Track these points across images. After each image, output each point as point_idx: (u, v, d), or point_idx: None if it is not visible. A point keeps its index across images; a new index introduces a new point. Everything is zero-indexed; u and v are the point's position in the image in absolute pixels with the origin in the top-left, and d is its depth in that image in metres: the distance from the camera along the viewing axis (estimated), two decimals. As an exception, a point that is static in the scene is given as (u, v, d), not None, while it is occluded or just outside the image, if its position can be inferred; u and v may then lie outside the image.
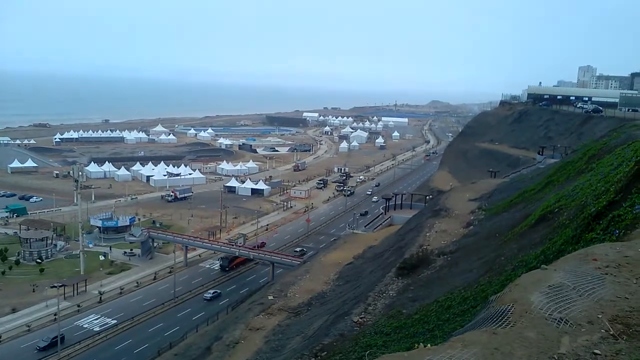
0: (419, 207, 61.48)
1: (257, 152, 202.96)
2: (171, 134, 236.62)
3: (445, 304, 19.81)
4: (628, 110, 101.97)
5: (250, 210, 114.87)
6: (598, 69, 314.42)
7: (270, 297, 40.79)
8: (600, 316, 6.09)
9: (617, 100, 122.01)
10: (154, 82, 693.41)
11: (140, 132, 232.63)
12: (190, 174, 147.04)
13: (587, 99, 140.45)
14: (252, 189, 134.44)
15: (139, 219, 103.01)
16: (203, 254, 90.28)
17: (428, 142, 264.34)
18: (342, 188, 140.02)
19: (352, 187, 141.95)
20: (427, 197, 69.73)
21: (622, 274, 7.58)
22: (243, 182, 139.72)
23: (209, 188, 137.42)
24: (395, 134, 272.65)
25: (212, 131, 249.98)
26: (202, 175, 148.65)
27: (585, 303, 6.42)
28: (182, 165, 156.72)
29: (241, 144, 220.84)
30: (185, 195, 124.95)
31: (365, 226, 71.13)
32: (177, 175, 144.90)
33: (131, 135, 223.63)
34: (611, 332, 5.79)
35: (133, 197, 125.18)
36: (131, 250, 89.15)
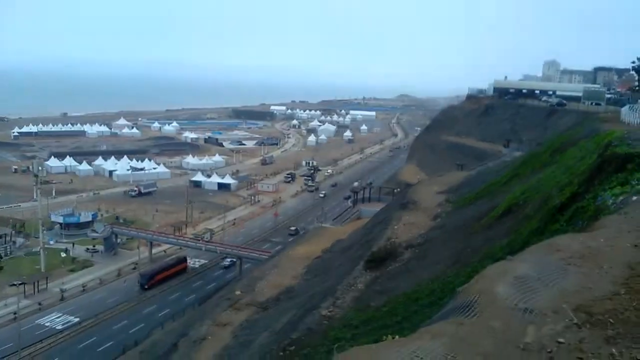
0: (387, 200, 61.93)
1: (223, 146, 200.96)
2: (134, 128, 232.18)
3: (413, 296, 19.99)
4: (591, 103, 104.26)
5: (216, 204, 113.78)
6: (562, 63, 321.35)
7: (238, 292, 40.57)
8: (564, 306, 6.16)
9: (580, 94, 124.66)
10: (114, 75, 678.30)
11: (102, 125, 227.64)
12: (154, 169, 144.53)
13: (551, 92, 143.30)
14: (218, 183, 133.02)
15: (102, 215, 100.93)
16: (168, 250, 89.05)
17: (396, 135, 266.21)
18: (306, 184, 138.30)
19: (317, 182, 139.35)
20: (395, 190, 70.27)
21: (585, 264, 7.69)
22: (209, 176, 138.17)
23: (174, 183, 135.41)
24: (364, 127, 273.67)
25: (177, 124, 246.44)
26: (167, 170, 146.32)
27: (549, 293, 6.48)
28: (146, 159, 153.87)
29: (207, 137, 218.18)
30: (150, 190, 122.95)
31: (333, 220, 71.36)
32: (141, 169, 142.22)
33: (93, 129, 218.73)
34: (575, 321, 5.85)
35: (95, 192, 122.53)
36: (94, 246, 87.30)
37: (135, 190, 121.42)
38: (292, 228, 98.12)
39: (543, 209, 20.39)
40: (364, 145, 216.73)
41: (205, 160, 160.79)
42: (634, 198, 12.87)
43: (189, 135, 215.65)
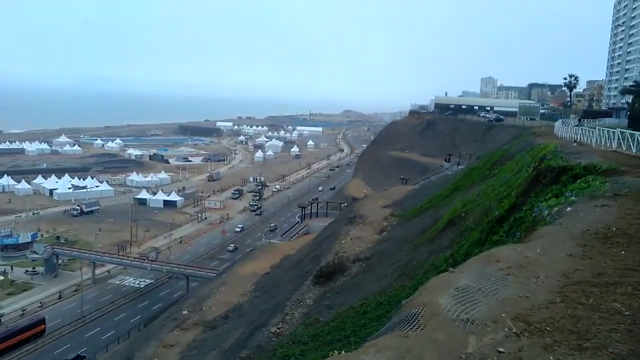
0: (335, 215, 62.27)
1: (169, 163, 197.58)
2: (76, 145, 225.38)
3: (361, 309, 20.11)
4: (526, 118, 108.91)
5: (162, 222, 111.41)
6: (499, 80, 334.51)
7: (185, 312, 39.70)
8: (503, 315, 6.37)
9: (516, 109, 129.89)
10: (55, 91, 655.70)
11: (42, 143, 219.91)
12: (97, 187, 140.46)
13: (489, 108, 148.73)
14: (164, 200, 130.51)
15: (42, 235, 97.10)
16: (112, 270, 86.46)
17: (342, 150, 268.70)
18: (250, 204, 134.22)
19: (258, 204, 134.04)
20: (342, 205, 70.80)
21: (523, 274, 7.98)
22: (154, 193, 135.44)
23: (117, 201, 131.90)
24: (310, 143, 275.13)
25: (120, 141, 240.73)
26: (111, 188, 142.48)
27: (489, 303, 6.69)
28: (89, 177, 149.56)
29: (152, 154, 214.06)
30: (92, 208, 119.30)
31: (281, 235, 71.14)
32: (83, 188, 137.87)
33: (32, 147, 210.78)
34: (514, 330, 6.06)
35: (35, 212, 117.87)
36: (34, 268, 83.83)
37: (77, 209, 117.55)
38: (272, 224, 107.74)
39: (483, 220, 21.01)
40: (311, 160, 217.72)
41: (151, 177, 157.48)
42: (568, 209, 13.45)
43: (133, 152, 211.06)
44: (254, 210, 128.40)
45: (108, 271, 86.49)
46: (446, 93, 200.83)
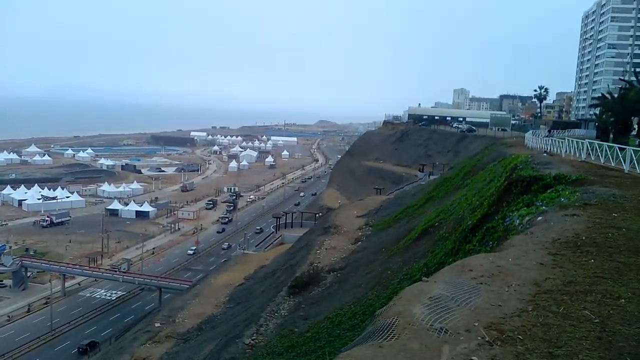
0: (310, 225, 62.17)
1: (141, 173, 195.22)
2: (46, 155, 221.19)
3: (336, 320, 20.05)
4: (498, 129, 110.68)
5: (134, 233, 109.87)
6: (471, 91, 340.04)
7: (157, 324, 39.07)
8: (476, 324, 6.41)
9: (488, 120, 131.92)
10: (25, 99, 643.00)
11: (11, 153, 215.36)
12: (67, 197, 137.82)
13: (461, 119, 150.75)
14: (136, 211, 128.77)
15: (10, 247, 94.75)
16: (83, 282, 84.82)
17: (317, 160, 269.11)
18: (221, 217, 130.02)
19: (228, 216, 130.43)
20: (317, 215, 70.79)
21: (495, 282, 8.07)
22: (127, 204, 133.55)
23: (89, 212, 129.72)
24: (285, 153, 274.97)
25: (92, 151, 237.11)
26: (81, 198, 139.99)
27: (462, 312, 6.74)
28: (59, 187, 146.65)
29: (124, 164, 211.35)
30: (63, 219, 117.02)
31: (256, 246, 70.68)
32: (53, 198, 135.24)
33: (0, 157, 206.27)
34: (487, 339, 6.11)
35: (3, 223, 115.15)
36: (1, 281, 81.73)
37: (46, 221, 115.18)
38: (258, 228, 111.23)
39: (457, 230, 21.21)
40: (286, 170, 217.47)
41: (123, 187, 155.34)
42: (539, 218, 13.67)
43: (105, 162, 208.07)
44: (224, 223, 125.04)
45: (79, 283, 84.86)
46: (419, 104, 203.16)
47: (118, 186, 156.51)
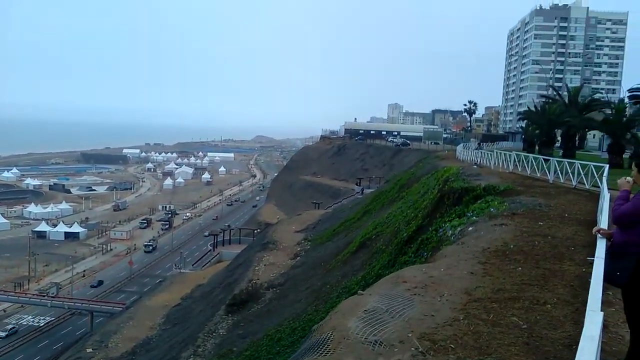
0: (248, 242, 61.54)
1: (71, 192, 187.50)
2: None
3: (275, 336, 19.87)
4: (431, 143, 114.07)
5: (64, 255, 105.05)
6: (404, 106, 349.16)
7: (89, 350, 37.51)
8: (410, 335, 6.48)
9: (421, 134, 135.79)
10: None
11: None
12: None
13: (396, 133, 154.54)
14: (65, 232, 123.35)
15: None
16: (9, 309, 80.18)
17: (255, 176, 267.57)
18: (145, 244, 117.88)
19: (154, 241, 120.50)
20: (255, 231, 70.21)
21: (428, 293, 8.20)
22: (55, 225, 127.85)
23: (14, 234, 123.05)
24: (222, 169, 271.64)
25: (17, 171, 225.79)
26: (6, 220, 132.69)
27: (396, 324, 6.79)
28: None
29: (52, 184, 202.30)
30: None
31: (193, 265, 69.22)
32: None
33: None
34: (420, 349, 6.17)
35: None
36: None
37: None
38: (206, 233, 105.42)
39: (393, 242, 21.54)
40: (223, 187, 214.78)
41: (51, 208, 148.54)
42: (470, 228, 14.07)
43: (32, 182, 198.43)
44: (148, 251, 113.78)
45: (4, 310, 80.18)
46: (355, 118, 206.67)
47: (46, 207, 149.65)
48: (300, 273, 32.27)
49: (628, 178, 5.74)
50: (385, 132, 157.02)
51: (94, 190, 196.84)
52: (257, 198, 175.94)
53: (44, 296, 78.38)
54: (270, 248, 41.23)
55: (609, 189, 14.85)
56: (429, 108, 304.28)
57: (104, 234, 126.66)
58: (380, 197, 44.09)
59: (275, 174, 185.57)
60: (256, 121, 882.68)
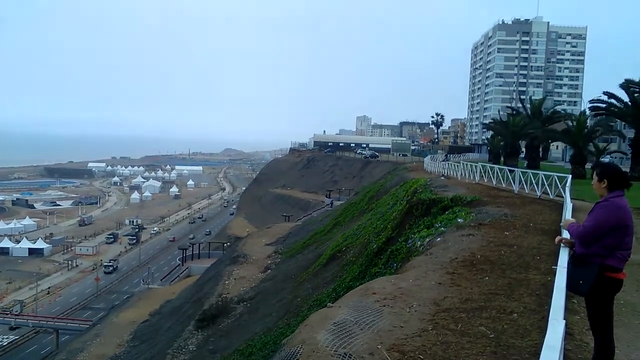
0: (218, 255, 60.88)
1: (34, 208, 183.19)
2: None
3: (246, 351, 19.68)
4: (399, 154, 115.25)
5: (28, 272, 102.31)
6: (373, 118, 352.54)
7: (54, 370, 36.43)
8: (379, 346, 6.50)
9: (389, 146, 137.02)
10: None
11: None
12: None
13: (365, 145, 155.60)
14: (29, 248, 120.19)
15: None
16: (-31, 330, 77.50)
17: (224, 189, 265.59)
18: (105, 264, 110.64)
19: (114, 261, 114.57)
20: (225, 245, 69.52)
21: (398, 304, 8.26)
22: (18, 241, 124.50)
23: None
24: (190, 182, 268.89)
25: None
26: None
27: (366, 335, 6.82)
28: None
29: (15, 199, 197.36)
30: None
31: (161, 280, 68.10)
32: None
33: None
34: (390, 361, 6.20)
35: None
36: None
37: None
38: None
39: (363, 254, 21.61)
40: (192, 200, 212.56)
41: (14, 224, 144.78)
42: (438, 239, 14.24)
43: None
44: (108, 272, 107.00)
45: (-36, 331, 77.43)
46: (324, 131, 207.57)
47: (8, 222, 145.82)
48: (270, 286, 32.06)
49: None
50: (354, 145, 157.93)
51: (59, 205, 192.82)
52: (230, 212, 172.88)
53: (7, 314, 76.14)
54: (240, 261, 40.88)
55: (572, 198, 15.25)
56: (397, 120, 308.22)
57: (69, 249, 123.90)
58: (350, 209, 44.24)
59: (245, 187, 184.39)
60: (225, 134, 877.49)
